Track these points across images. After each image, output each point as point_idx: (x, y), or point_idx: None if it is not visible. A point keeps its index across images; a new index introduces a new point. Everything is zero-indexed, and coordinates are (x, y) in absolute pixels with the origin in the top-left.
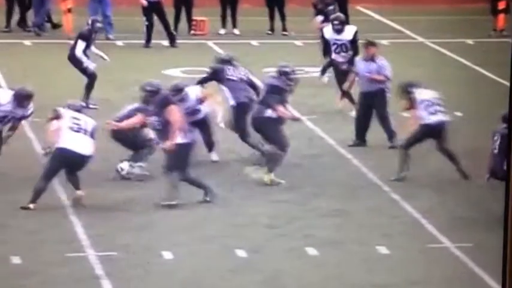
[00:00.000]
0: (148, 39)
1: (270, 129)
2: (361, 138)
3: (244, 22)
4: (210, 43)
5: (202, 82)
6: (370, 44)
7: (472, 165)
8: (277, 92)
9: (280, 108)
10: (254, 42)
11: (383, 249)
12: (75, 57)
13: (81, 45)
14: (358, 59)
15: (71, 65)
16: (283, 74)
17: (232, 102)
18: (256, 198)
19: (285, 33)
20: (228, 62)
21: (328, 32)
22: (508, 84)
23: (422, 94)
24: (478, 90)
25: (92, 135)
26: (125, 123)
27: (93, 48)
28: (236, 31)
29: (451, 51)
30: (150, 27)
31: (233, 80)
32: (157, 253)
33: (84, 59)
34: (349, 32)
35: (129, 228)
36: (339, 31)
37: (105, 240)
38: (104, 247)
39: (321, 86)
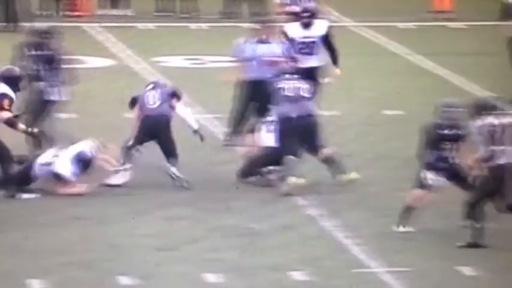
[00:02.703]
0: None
1: (319, 130)
2: (238, 132)
3: (135, 1)
4: (86, 27)
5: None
6: (262, 22)
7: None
8: None
9: None
10: (150, 26)
11: (299, 275)
12: None
13: None
14: (244, 42)
15: None
16: None
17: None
18: (144, 214)
19: (184, 15)
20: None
21: (293, 28)
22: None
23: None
24: (418, 83)
25: None
26: None
27: None
28: (118, 11)
29: (384, 36)
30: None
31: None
32: (22, 281)
33: None
34: (319, 26)
35: None
36: (307, 25)
37: None
38: None
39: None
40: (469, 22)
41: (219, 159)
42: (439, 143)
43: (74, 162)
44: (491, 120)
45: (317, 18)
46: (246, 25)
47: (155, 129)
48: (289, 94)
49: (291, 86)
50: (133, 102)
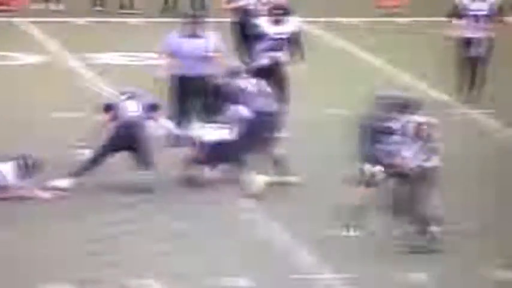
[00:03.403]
0: None
1: (276, 128)
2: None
3: None
4: (17, 21)
5: None
6: (191, 16)
7: None
8: None
9: None
10: (80, 21)
11: (238, 282)
12: None
13: None
14: (174, 37)
15: None
16: None
17: None
18: (74, 218)
19: (122, 10)
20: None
21: (265, 23)
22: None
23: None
24: (364, 81)
25: None
26: None
27: None
28: (52, 6)
29: (329, 33)
30: None
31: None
32: None
33: None
34: (291, 23)
35: None
36: (278, 22)
37: None
38: None
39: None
40: (419, 18)
41: (157, 160)
42: (376, 135)
43: (15, 166)
44: (415, 118)
45: (288, 14)
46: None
47: (133, 138)
48: (251, 91)
49: (249, 83)
50: (107, 109)
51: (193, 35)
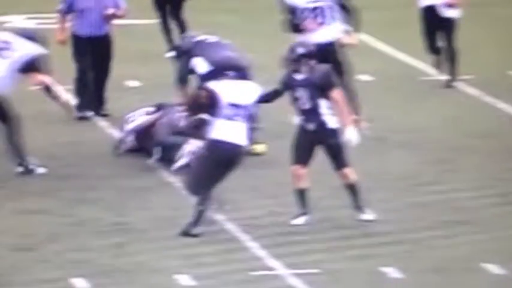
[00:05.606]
0: None
1: None
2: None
3: None
4: None
5: None
6: None
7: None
8: None
9: None
10: None
11: (186, 280)
12: None
13: None
14: None
15: None
16: None
17: None
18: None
19: None
20: None
21: None
22: None
23: None
24: None
25: None
26: None
27: None
28: None
29: None
30: None
31: None
32: None
33: None
34: None
35: None
36: None
37: None
38: None
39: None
40: None
41: (76, 139)
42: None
43: None
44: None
45: None
46: None
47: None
48: (211, 42)
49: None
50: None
51: None
